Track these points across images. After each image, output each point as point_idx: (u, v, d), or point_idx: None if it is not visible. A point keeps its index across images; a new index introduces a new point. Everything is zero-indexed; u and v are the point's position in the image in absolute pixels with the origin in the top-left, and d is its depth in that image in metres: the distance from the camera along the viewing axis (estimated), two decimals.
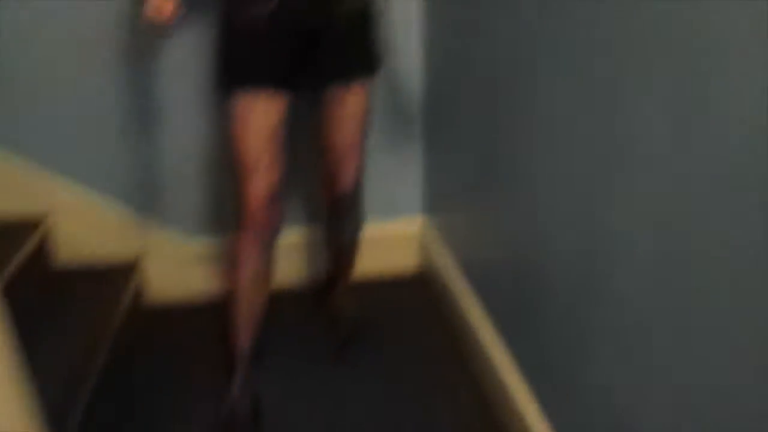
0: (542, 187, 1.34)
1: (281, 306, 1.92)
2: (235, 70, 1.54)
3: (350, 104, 1.63)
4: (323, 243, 2.04)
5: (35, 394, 1.02)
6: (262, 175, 1.55)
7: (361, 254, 1.97)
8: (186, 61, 1.93)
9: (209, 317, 1.99)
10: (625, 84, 0.99)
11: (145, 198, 2.09)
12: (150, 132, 2.01)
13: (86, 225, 2.05)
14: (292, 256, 2.22)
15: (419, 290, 2.23)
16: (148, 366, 1.90)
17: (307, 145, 1.85)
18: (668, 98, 0.89)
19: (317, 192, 1.92)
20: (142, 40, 1.91)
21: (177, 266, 2.17)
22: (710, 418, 0.87)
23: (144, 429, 1.68)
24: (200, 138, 2.05)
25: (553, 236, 1.32)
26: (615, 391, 1.13)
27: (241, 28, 1.50)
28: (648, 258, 0.98)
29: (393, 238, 2.31)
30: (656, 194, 0.95)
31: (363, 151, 1.73)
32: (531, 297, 1.47)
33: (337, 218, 1.83)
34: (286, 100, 1.55)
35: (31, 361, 1.03)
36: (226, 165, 2.01)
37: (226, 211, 2.11)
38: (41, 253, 1.94)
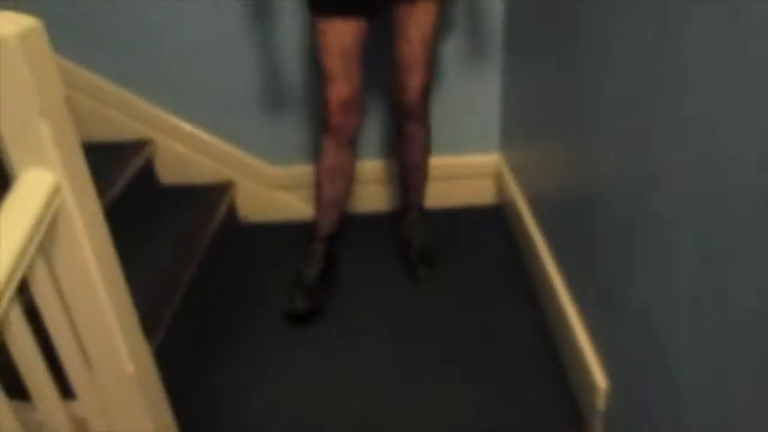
0: (600, 124, 1.37)
1: (363, 229, 2.21)
2: None
3: (417, 22, 1.76)
4: (396, 164, 2.15)
5: (131, 297, 1.19)
6: (338, 85, 1.76)
7: (438, 187, 2.07)
8: None
9: (295, 236, 2.16)
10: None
11: (235, 126, 2.26)
12: (243, 63, 2.16)
13: (186, 149, 2.25)
14: (375, 185, 2.35)
15: (493, 222, 2.31)
16: (235, 275, 2.10)
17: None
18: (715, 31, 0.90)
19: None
20: None
21: (266, 189, 2.34)
22: (732, 342, 0.91)
23: (222, 328, 1.89)
24: (290, 71, 2.17)
25: (604, 168, 1.34)
26: (651, 314, 1.17)
27: None
28: (683, 183, 1.01)
29: (470, 173, 2.38)
30: (698, 122, 0.97)
31: (430, 66, 1.86)
32: (584, 227, 1.51)
33: (405, 131, 1.98)
34: (360, 23, 1.71)
35: (130, 268, 1.19)
36: (311, 99, 2.16)
37: (305, 142, 2.27)
38: (146, 172, 2.16)
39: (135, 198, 2.00)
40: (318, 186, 1.94)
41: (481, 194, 2.40)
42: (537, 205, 1.96)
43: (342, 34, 1.70)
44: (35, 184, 0.95)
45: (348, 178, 1.95)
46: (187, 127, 2.24)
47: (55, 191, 0.97)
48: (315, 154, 1.97)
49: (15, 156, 0.96)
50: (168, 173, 2.27)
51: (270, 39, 2.11)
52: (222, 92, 2.20)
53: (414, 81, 1.84)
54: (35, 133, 0.94)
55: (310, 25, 1.75)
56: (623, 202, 1.27)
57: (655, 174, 1.11)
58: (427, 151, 2.04)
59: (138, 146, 2.16)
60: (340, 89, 1.77)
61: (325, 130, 1.85)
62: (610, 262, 1.36)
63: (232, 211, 2.31)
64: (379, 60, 1.88)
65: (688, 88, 0.97)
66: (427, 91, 1.89)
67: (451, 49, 2.17)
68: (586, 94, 1.44)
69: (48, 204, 0.95)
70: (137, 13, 2.06)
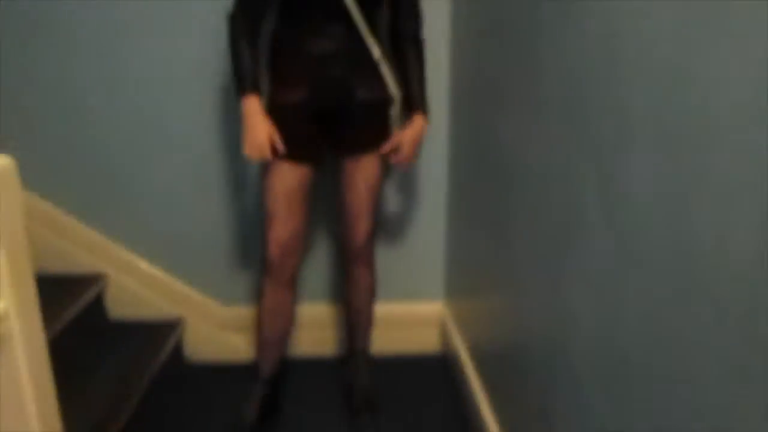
0: (525, 277, 1.48)
1: (307, 373, 2.23)
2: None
3: (363, 173, 1.92)
4: (343, 308, 2.22)
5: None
6: (279, 226, 1.86)
7: (383, 334, 2.13)
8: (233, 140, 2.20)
9: (240, 377, 2.16)
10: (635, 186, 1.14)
11: (189, 265, 2.32)
12: (195, 204, 2.26)
13: (137, 285, 2.29)
14: (321, 328, 2.40)
15: (437, 370, 2.35)
16: (176, 415, 2.07)
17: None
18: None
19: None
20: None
21: (216, 329, 2.37)
22: None
23: None
24: (246, 213, 2.28)
25: (530, 320, 1.44)
26: None
27: (278, 108, 1.83)
28: (591, 330, 1.10)
29: (416, 320, 2.45)
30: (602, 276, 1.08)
31: (375, 213, 2.00)
32: (515, 379, 1.57)
33: (353, 273, 2.07)
34: (306, 168, 1.87)
35: (68, 403, 1.20)
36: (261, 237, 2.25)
37: (256, 283, 2.33)
38: (95, 305, 2.18)
39: (82, 331, 2.00)
40: (259, 326, 1.99)
41: (427, 342, 2.46)
42: (477, 355, 2.03)
43: (287, 177, 1.84)
44: None
45: (288, 319, 2.00)
46: (141, 263, 2.29)
47: (3, 318, 1.01)
48: (258, 295, 2.03)
49: None
50: (118, 308, 2.28)
51: (229, 182, 2.24)
52: (178, 230, 2.29)
53: (361, 227, 1.98)
54: None
55: (263, 166, 1.88)
56: (545, 349, 1.35)
57: (568, 323, 1.20)
58: (372, 295, 2.12)
59: (90, 279, 2.19)
60: (280, 230, 1.86)
61: (265, 271, 1.93)
62: (533, 413, 1.42)
63: (178, 350, 2.31)
64: (327, 203, 2.01)
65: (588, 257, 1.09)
66: (372, 235, 2.02)
67: (398, 198, 2.33)
68: (514, 252, 1.56)
69: None
70: (98, 147, 2.18)
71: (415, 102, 1.91)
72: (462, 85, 2.12)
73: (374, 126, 1.91)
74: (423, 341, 2.46)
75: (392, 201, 2.33)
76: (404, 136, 1.89)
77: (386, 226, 2.34)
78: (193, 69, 2.14)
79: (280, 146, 1.79)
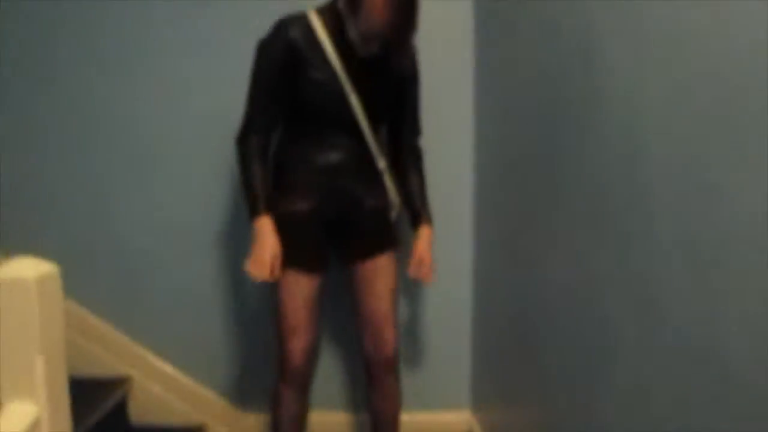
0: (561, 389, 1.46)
1: None
2: (284, 251, 1.82)
3: (383, 276, 1.93)
4: (369, 418, 2.14)
5: None
6: (302, 336, 1.86)
7: None
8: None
9: None
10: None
11: (211, 370, 2.32)
12: (224, 310, 2.29)
13: (161, 389, 2.27)
14: None
15: None
16: None
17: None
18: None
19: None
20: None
21: None
22: None
23: None
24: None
25: None
26: None
27: (286, 217, 1.84)
28: None
29: (441, 430, 2.38)
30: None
31: (396, 317, 1.98)
32: None
33: (378, 385, 2.01)
34: (321, 276, 1.88)
35: None
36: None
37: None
38: (118, 410, 2.16)
39: None
40: None
41: None
42: None
43: (304, 287, 1.85)
44: (19, 417, 1.00)
45: (305, 424, 1.99)
46: (166, 367, 2.29)
47: (36, 424, 1.02)
48: (271, 399, 1.95)
49: (5, 388, 1.02)
50: (140, 413, 2.26)
51: (254, 289, 2.27)
52: (202, 336, 2.30)
53: (389, 334, 1.95)
54: (30, 368, 1.01)
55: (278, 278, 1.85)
56: None
57: None
58: (401, 404, 2.06)
59: (114, 383, 2.19)
60: (303, 340, 1.86)
61: (284, 380, 1.89)
62: None
63: None
64: (340, 311, 2.01)
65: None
66: (398, 342, 1.99)
67: (421, 301, 2.33)
68: (545, 364, 1.55)
69: None
70: (121, 250, 2.24)
71: (420, 215, 1.97)
72: (487, 202, 2.17)
73: (382, 230, 1.96)
74: None
75: (415, 306, 2.33)
76: (422, 251, 1.93)
77: (409, 333, 2.32)
78: (215, 177, 2.23)
79: (278, 272, 1.79)
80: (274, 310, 1.89)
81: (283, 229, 1.84)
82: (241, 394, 2.35)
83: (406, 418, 2.13)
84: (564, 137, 1.41)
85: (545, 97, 1.54)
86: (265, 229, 1.80)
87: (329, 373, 2.34)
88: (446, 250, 2.22)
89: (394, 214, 1.98)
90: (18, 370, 1.01)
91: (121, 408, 2.20)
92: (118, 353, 2.26)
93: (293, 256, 1.83)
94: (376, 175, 1.94)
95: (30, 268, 1.02)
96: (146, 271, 2.27)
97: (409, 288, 2.22)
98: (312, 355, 1.91)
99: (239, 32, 2.04)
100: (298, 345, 1.86)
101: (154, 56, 2.20)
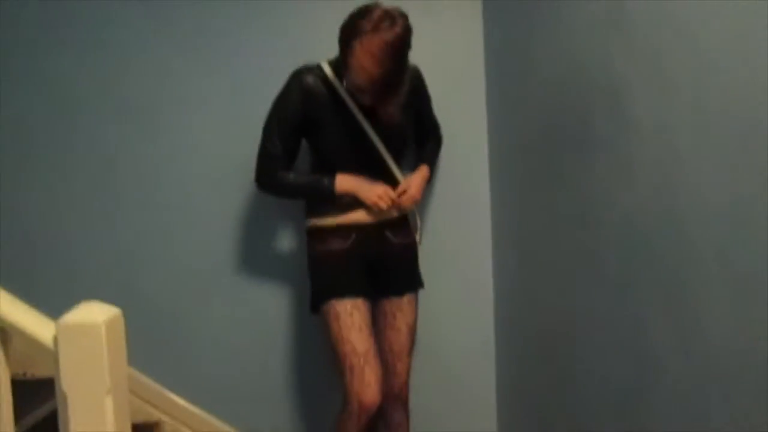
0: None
1: None
2: (327, 285, 1.93)
3: (404, 313, 2.02)
4: None
5: None
6: (371, 365, 1.84)
7: None
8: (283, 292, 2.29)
9: None
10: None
11: (243, 414, 2.34)
12: (254, 353, 2.32)
13: None
14: None
15: None
16: None
17: None
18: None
19: None
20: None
21: None
22: None
23: None
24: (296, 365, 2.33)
25: None
26: None
27: (325, 256, 1.95)
28: None
29: None
30: None
31: (411, 354, 2.06)
32: None
33: (392, 416, 2.05)
34: (370, 303, 1.94)
35: None
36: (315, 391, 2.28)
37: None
38: None
39: None
40: None
41: None
42: None
43: (359, 315, 1.88)
44: None
45: None
46: (194, 410, 2.31)
47: None
48: None
49: (76, 428, 1.06)
50: None
51: (288, 333, 2.31)
52: (232, 380, 2.32)
53: (401, 368, 2.03)
54: (101, 408, 1.05)
55: (326, 314, 1.90)
56: None
57: None
58: None
59: (146, 429, 2.21)
60: (376, 369, 1.84)
61: (356, 417, 1.84)
62: None
63: None
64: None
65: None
66: (408, 377, 2.06)
67: (444, 326, 2.35)
68: (581, 391, 1.58)
69: None
70: (150, 297, 2.26)
71: (424, 159, 2.13)
72: (508, 219, 2.23)
73: (409, 269, 2.08)
74: None
75: (437, 339, 2.36)
76: (412, 179, 2.03)
77: (432, 358, 2.35)
78: (231, 221, 2.28)
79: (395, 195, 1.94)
80: (334, 350, 1.90)
81: (322, 266, 1.92)
82: None
83: None
84: (591, 165, 1.47)
85: (568, 126, 1.61)
86: (349, 179, 1.91)
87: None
88: (467, 273, 2.33)
89: (418, 238, 2.08)
90: (89, 411, 1.05)
91: None
92: (149, 399, 2.28)
93: (338, 287, 1.90)
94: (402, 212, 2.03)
95: (99, 313, 1.07)
96: (171, 318, 2.30)
97: (432, 312, 2.26)
98: (381, 384, 1.86)
99: (257, 83, 2.16)
100: (371, 376, 1.83)
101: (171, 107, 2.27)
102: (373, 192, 1.91)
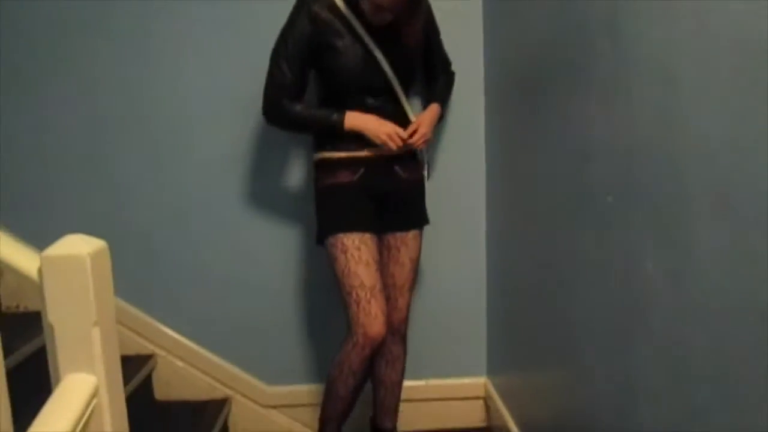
0: (586, 352, 1.51)
1: None
2: (335, 218, 1.92)
3: (408, 248, 2.02)
4: (374, 385, 2.16)
5: None
6: (377, 298, 1.85)
7: (425, 410, 2.13)
8: (281, 222, 2.28)
9: None
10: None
11: (234, 347, 2.37)
12: (244, 286, 2.33)
13: (184, 365, 2.32)
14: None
15: None
16: None
17: None
18: None
19: None
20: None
21: (261, 408, 2.38)
22: None
23: None
24: (290, 294, 2.34)
25: (594, 396, 1.46)
26: None
27: (332, 189, 1.93)
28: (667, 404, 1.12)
29: (458, 395, 2.45)
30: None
31: (413, 289, 2.09)
32: None
33: (389, 349, 2.06)
34: (376, 237, 1.95)
35: None
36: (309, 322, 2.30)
37: (301, 362, 2.36)
38: (144, 387, 2.21)
39: (130, 413, 2.03)
40: (332, 401, 1.96)
41: (470, 416, 2.45)
42: (528, 430, 2.02)
43: (366, 248, 1.87)
44: (79, 386, 1.04)
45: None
46: (188, 343, 2.33)
47: (95, 393, 1.06)
48: (337, 364, 1.92)
49: (63, 360, 1.06)
50: (164, 389, 2.31)
51: (277, 265, 2.31)
52: (223, 312, 2.34)
53: (402, 301, 2.04)
54: (87, 341, 1.05)
55: (333, 246, 1.89)
56: (612, 426, 1.36)
57: (638, 393, 1.22)
58: (404, 370, 2.12)
59: (140, 360, 2.24)
60: (381, 302, 1.85)
61: (360, 348, 1.85)
62: None
63: (225, 430, 2.32)
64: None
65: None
66: (409, 310, 2.08)
67: (437, 271, 2.37)
68: (571, 323, 1.60)
69: (88, 404, 1.03)
70: (144, 230, 2.27)
71: (435, 97, 2.10)
72: (501, 170, 2.21)
73: (415, 204, 2.05)
74: (466, 416, 2.44)
75: (431, 275, 2.37)
76: (423, 117, 2.01)
77: (427, 303, 2.37)
78: (224, 153, 2.26)
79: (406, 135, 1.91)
80: (340, 283, 1.89)
81: (329, 199, 1.92)
82: (268, 369, 2.39)
83: (421, 386, 2.19)
84: (588, 101, 1.44)
85: (565, 64, 1.57)
86: (358, 116, 1.88)
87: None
88: (461, 211, 2.33)
89: (426, 174, 2.08)
90: (76, 342, 1.05)
91: (146, 384, 2.24)
92: (143, 332, 2.30)
93: (346, 221, 1.90)
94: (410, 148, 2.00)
95: (83, 245, 1.05)
96: (166, 251, 2.30)
97: (429, 260, 2.27)
98: (386, 317, 1.87)
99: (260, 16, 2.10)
100: (377, 309, 1.84)
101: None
102: (383, 131, 1.88)
